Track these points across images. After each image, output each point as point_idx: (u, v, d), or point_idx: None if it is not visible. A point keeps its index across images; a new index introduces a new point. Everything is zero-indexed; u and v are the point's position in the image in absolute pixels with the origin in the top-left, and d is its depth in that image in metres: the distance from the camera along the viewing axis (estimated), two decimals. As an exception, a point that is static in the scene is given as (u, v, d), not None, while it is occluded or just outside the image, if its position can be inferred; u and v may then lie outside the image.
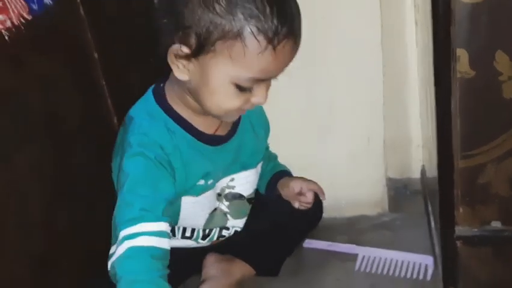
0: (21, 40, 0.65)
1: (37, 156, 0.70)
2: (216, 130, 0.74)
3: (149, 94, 0.74)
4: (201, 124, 0.73)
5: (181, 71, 0.65)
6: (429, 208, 0.93)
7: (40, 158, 0.71)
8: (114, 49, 0.85)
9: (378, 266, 0.87)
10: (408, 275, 0.84)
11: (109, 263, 0.66)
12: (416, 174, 1.07)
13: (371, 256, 0.88)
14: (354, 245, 0.91)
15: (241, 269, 0.84)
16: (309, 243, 0.94)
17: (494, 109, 0.64)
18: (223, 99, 0.65)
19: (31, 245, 0.69)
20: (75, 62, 0.79)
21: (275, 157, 0.93)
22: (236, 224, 0.84)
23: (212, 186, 0.77)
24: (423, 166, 1.05)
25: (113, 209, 0.74)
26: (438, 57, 0.63)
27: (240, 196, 0.81)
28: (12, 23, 0.63)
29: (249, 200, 0.84)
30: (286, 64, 0.64)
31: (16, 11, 0.64)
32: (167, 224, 0.67)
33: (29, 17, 0.66)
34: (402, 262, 0.86)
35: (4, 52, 0.64)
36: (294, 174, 0.92)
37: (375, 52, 0.88)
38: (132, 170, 0.67)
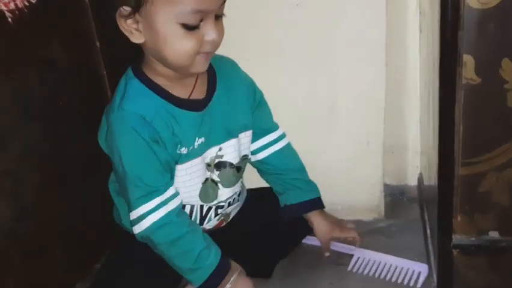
0: (24, 23, 0.65)
1: (33, 140, 0.69)
2: (191, 94, 0.76)
3: (128, 70, 0.76)
4: (177, 90, 0.74)
5: (134, 35, 0.69)
6: (426, 216, 0.92)
7: (36, 142, 0.70)
8: (116, 39, 0.84)
9: (371, 269, 0.86)
10: (400, 281, 0.83)
11: (135, 231, 0.75)
12: (413, 182, 1.07)
13: (366, 258, 0.88)
14: (351, 246, 0.90)
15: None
16: (309, 240, 0.93)
17: (498, 117, 0.64)
18: (176, 42, 0.67)
19: (23, 233, 0.68)
20: (77, 49, 0.78)
21: (301, 168, 0.90)
22: (227, 193, 0.83)
23: (198, 153, 0.77)
24: (420, 174, 1.05)
25: (108, 198, 0.74)
26: (444, 62, 0.63)
27: (230, 164, 0.82)
28: (16, 5, 0.62)
29: (238, 167, 0.83)
30: None
31: (20, -6, 0.63)
32: (173, 187, 0.75)
33: (33, 1, 0.65)
34: (396, 267, 0.86)
35: (5, 34, 0.63)
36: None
37: (379, 56, 0.88)
38: (125, 147, 0.71)
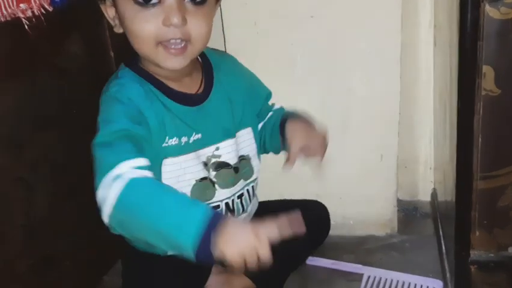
0: (40, 31, 0.65)
1: (46, 148, 0.69)
2: (187, 88, 0.72)
3: (121, 65, 0.73)
4: (171, 83, 0.71)
5: (116, 25, 0.67)
6: (441, 231, 0.91)
7: (49, 151, 0.70)
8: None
9: (384, 287, 0.84)
10: (416, 299, 0.81)
11: (106, 208, 0.59)
12: (426, 197, 1.05)
13: (377, 277, 0.86)
14: (358, 265, 0.89)
15: (241, 282, 0.81)
16: (312, 261, 0.91)
17: (518, 130, 0.63)
18: (132, 22, 0.63)
19: (35, 244, 0.67)
20: (91, 58, 0.78)
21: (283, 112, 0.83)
22: (223, 194, 0.80)
23: (191, 149, 0.73)
24: (434, 189, 1.04)
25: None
26: (463, 73, 0.62)
27: (227, 165, 0.78)
28: (33, 12, 0.63)
29: (235, 168, 0.80)
30: None
31: (38, 2, 0.64)
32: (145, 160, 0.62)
33: (50, 9, 0.65)
34: (409, 284, 0.84)
35: (22, 41, 0.63)
36: (304, 188, 0.90)
37: (393, 69, 0.87)
38: (105, 113, 0.65)
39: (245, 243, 0.55)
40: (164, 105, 0.70)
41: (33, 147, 0.67)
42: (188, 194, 0.76)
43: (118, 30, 0.68)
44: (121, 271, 0.83)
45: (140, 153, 0.62)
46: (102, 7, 0.68)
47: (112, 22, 0.68)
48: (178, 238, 0.55)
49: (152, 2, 0.61)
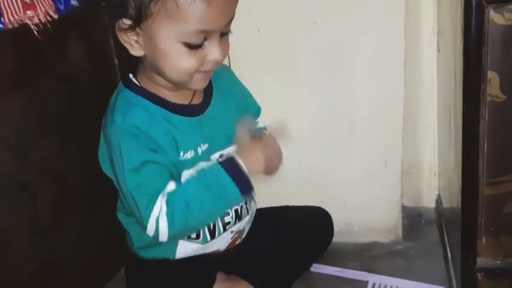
0: (45, 39, 0.65)
1: (51, 155, 0.69)
2: (190, 100, 0.74)
3: (120, 85, 0.74)
4: (174, 98, 0.72)
5: (134, 48, 0.67)
6: (446, 238, 0.90)
7: (54, 158, 0.70)
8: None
9: (389, 294, 0.84)
10: (421, 306, 0.81)
11: (164, 238, 0.69)
12: (430, 203, 1.05)
13: (382, 284, 0.85)
14: (363, 272, 0.88)
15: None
16: (317, 268, 0.91)
17: (524, 135, 0.63)
18: (177, 60, 0.65)
19: (39, 250, 0.67)
20: (96, 66, 0.79)
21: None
22: None
23: (202, 158, 0.74)
24: (438, 195, 1.03)
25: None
26: (468, 79, 0.62)
27: None
28: (39, 19, 0.63)
29: None
30: (226, 11, 0.64)
31: (44, 9, 0.64)
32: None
33: (55, 16, 0.66)
34: (415, 292, 0.83)
35: (28, 49, 0.64)
36: (308, 194, 0.90)
37: (397, 75, 0.87)
38: (124, 157, 0.68)
39: (262, 158, 0.71)
40: (170, 122, 0.71)
41: (38, 154, 0.67)
42: None
43: (137, 53, 0.67)
44: (123, 278, 0.82)
45: (166, 180, 0.70)
46: (120, 30, 0.66)
47: (128, 46, 0.67)
48: (229, 200, 0.71)
49: (199, 44, 0.65)
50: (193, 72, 0.67)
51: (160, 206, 0.68)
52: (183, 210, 0.68)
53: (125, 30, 0.65)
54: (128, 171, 0.68)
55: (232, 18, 0.66)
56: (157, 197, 0.68)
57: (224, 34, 0.67)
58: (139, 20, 0.64)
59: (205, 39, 0.65)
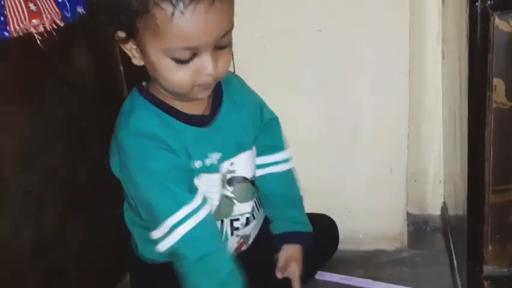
0: (51, 46, 0.66)
1: (56, 161, 0.69)
2: (199, 110, 0.74)
3: (134, 90, 0.74)
4: (184, 108, 0.72)
5: (135, 58, 0.67)
6: (452, 246, 0.89)
7: (59, 164, 0.70)
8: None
9: (395, 303, 0.83)
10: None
11: (162, 248, 0.69)
12: (435, 211, 1.04)
13: (388, 292, 0.85)
14: (368, 280, 0.88)
15: None
16: (322, 276, 0.90)
17: (530, 142, 0.62)
18: (168, 74, 0.64)
19: (44, 257, 0.67)
20: (101, 73, 0.79)
21: (295, 198, 0.86)
22: (243, 208, 0.80)
23: (213, 169, 0.75)
24: (444, 203, 1.03)
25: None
26: (474, 86, 0.62)
27: (244, 179, 0.79)
28: (45, 28, 0.63)
29: (252, 182, 0.81)
30: (211, 27, 0.61)
31: (50, 17, 0.64)
32: (200, 195, 0.70)
33: (61, 24, 0.66)
34: (421, 300, 0.83)
35: (33, 57, 0.64)
36: (313, 201, 0.89)
37: (402, 82, 0.87)
38: (143, 163, 0.68)
39: None
40: (180, 132, 0.71)
41: (43, 162, 0.67)
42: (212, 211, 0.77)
43: (138, 62, 0.67)
44: (128, 285, 0.82)
45: (190, 189, 0.70)
46: (123, 46, 0.66)
47: (129, 54, 0.67)
48: None
49: (188, 59, 0.63)
50: (189, 85, 0.66)
51: (185, 217, 0.68)
52: (196, 254, 0.68)
53: (122, 42, 0.66)
54: (148, 171, 0.68)
55: (226, 32, 0.63)
56: (182, 205, 0.68)
57: (222, 47, 0.65)
58: (131, 32, 0.64)
59: (195, 54, 0.63)
